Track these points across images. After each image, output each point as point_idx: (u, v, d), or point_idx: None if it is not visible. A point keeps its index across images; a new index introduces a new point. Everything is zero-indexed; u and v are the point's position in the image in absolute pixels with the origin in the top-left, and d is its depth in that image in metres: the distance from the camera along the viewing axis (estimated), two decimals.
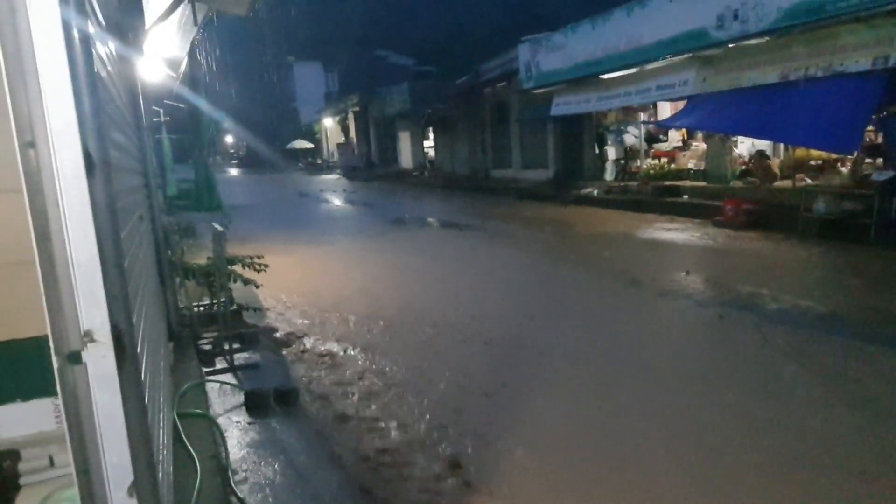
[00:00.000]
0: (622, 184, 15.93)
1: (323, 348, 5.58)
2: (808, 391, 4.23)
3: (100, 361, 1.07)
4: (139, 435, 1.16)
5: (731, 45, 11.22)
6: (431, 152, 31.96)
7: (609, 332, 5.80)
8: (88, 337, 1.06)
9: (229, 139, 63.74)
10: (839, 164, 11.51)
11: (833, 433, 3.62)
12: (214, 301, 5.71)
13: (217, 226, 5.11)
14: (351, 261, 9.90)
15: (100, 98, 1.36)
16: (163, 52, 7.62)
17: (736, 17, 10.68)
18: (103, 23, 2.79)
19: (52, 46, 1.04)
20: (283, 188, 29.08)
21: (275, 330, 6.13)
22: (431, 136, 31.50)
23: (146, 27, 5.59)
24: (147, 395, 1.87)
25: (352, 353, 5.43)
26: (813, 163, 12.09)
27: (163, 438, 2.91)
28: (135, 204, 3.33)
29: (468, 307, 6.79)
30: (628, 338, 5.63)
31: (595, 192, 16.31)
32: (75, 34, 1.08)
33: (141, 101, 5.13)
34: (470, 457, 3.52)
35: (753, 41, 10.77)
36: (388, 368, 5.00)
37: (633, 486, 3.18)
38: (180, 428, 3.53)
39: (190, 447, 3.32)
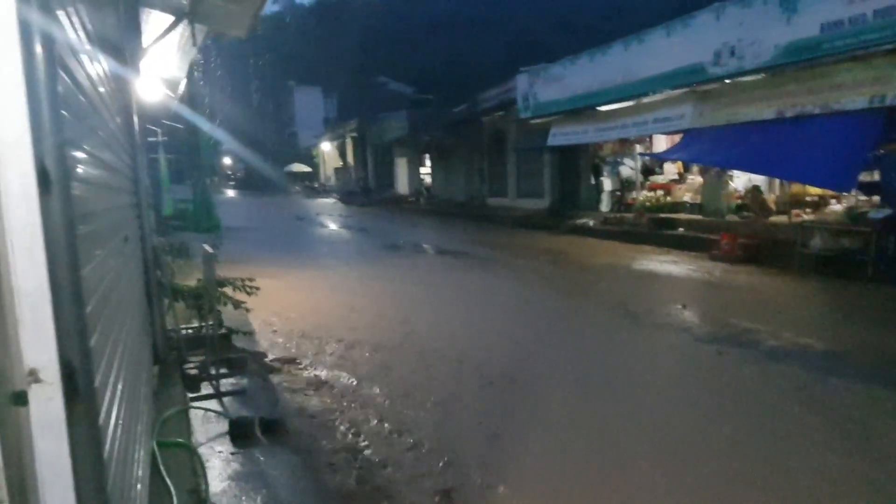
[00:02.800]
0: (618, 215, 15.92)
1: (313, 375, 5.43)
2: (809, 432, 4.11)
3: (45, 404, 0.95)
4: (91, 489, 1.03)
5: (727, 81, 11.31)
6: (428, 179, 32.04)
7: (605, 366, 5.68)
8: (33, 376, 0.94)
9: (228, 160, 63.94)
10: (833, 201, 11.51)
11: (832, 475, 3.50)
12: (203, 324, 5.58)
13: (207, 247, 5.01)
14: (344, 286, 9.77)
15: (75, 112, 1.27)
16: (161, 72, 7.60)
17: (733, 53, 10.78)
18: (93, 39, 2.73)
19: (5, 57, 0.95)
20: (280, 211, 29.01)
21: (264, 355, 5.98)
22: (428, 162, 31.61)
23: (144, 46, 5.56)
24: (112, 435, 1.75)
25: (342, 381, 5.28)
26: (808, 198, 12.10)
27: (138, 471, 2.77)
28: (120, 224, 3.22)
29: (461, 337, 6.66)
30: (624, 372, 5.51)
31: (591, 223, 16.28)
32: (36, 46, 0.98)
33: (135, 120, 5.06)
34: (461, 492, 3.38)
35: (750, 77, 10.86)
36: (378, 398, 4.86)
37: None
38: (159, 458, 3.38)
39: (167, 479, 3.17)
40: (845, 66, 9.26)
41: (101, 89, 2.97)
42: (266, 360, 5.81)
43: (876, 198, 10.00)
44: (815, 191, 11.92)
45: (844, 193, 10.82)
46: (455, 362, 5.72)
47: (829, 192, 11.47)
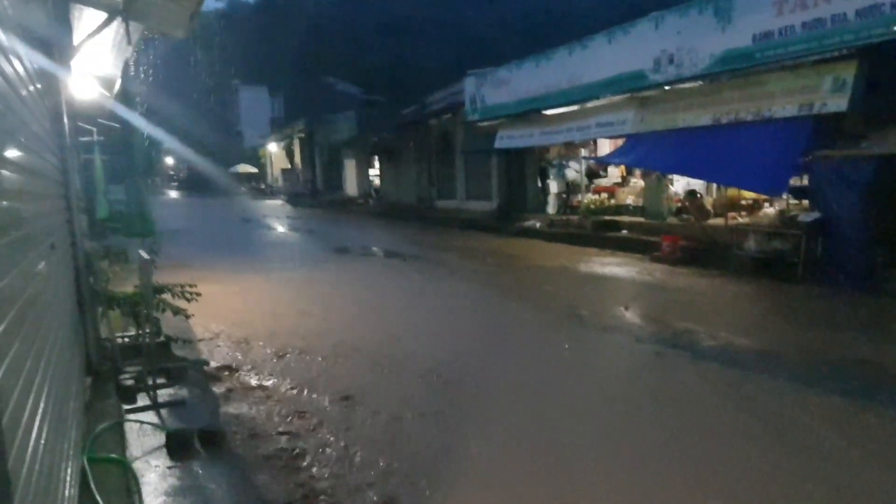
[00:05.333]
0: (564, 217, 16.19)
1: (256, 383, 5.33)
2: (740, 428, 4.26)
3: None
4: None
5: (667, 88, 11.64)
6: (377, 181, 31.87)
7: (550, 368, 5.76)
8: None
9: (170, 161, 62.07)
10: (767, 205, 12.00)
11: (761, 469, 3.63)
12: (140, 332, 5.40)
13: (143, 253, 4.85)
14: (291, 291, 9.62)
15: None
16: (95, 70, 7.32)
17: (671, 61, 11.11)
18: (14, 35, 2.60)
19: None
20: (225, 213, 28.35)
21: (206, 363, 5.83)
22: (377, 164, 31.45)
23: (75, 44, 5.34)
24: (32, 453, 1.68)
25: (286, 388, 5.20)
26: (744, 202, 12.58)
27: (66, 490, 2.65)
28: (45, 231, 3.09)
29: (408, 340, 6.65)
30: (568, 373, 5.60)
31: (538, 225, 16.50)
32: None
33: (65, 120, 4.86)
34: (405, 498, 3.36)
35: (688, 85, 11.21)
36: (323, 404, 4.80)
37: None
38: (90, 475, 3.25)
39: (98, 498, 3.06)
40: (776, 76, 9.67)
41: (24, 89, 2.84)
42: (207, 368, 5.66)
43: (805, 202, 10.46)
44: (749, 195, 12.39)
45: (776, 197, 11.28)
46: (402, 367, 5.70)
47: (763, 196, 11.95)
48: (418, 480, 3.57)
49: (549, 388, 5.18)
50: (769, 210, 11.61)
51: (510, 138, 17.17)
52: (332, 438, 4.17)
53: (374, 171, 32.36)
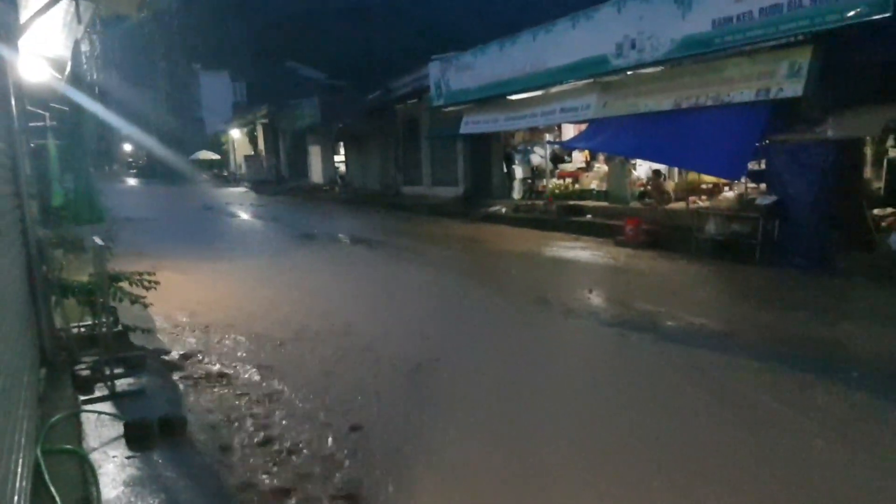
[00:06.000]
0: (529, 202, 16.27)
1: (218, 371, 5.25)
2: (701, 407, 4.36)
3: None
4: None
5: (629, 73, 11.73)
6: (343, 167, 31.54)
7: (515, 352, 5.80)
8: None
9: (128, 148, 60.42)
10: (726, 188, 12.24)
11: (721, 446, 3.73)
12: (96, 321, 5.26)
13: (98, 240, 4.71)
14: (254, 278, 9.48)
15: None
16: (45, 51, 7.05)
17: (633, 46, 11.20)
18: None
19: None
20: (187, 201, 27.76)
21: (166, 352, 5.72)
22: (343, 150, 31.11)
23: (21, 22, 5.13)
24: None
25: (250, 376, 5.13)
26: (704, 186, 12.81)
27: (17, 483, 2.58)
28: None
29: (375, 326, 6.62)
30: (533, 356, 5.65)
31: (503, 210, 16.56)
32: None
33: (13, 102, 4.67)
34: (369, 486, 3.36)
35: (649, 70, 11.31)
36: (287, 393, 4.75)
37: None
38: (44, 467, 3.17)
39: (53, 490, 2.98)
40: (734, 61, 9.82)
41: None
42: (167, 357, 5.56)
43: (763, 185, 10.70)
44: (709, 179, 12.63)
45: (735, 181, 11.51)
46: (366, 352, 5.68)
47: (722, 180, 12.18)
48: (383, 469, 3.57)
49: (515, 372, 5.22)
50: (729, 194, 11.83)
51: (475, 123, 17.15)
52: (294, 426, 4.14)
53: (339, 158, 32.01)
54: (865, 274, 8.29)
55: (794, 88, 8.95)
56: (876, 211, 9.50)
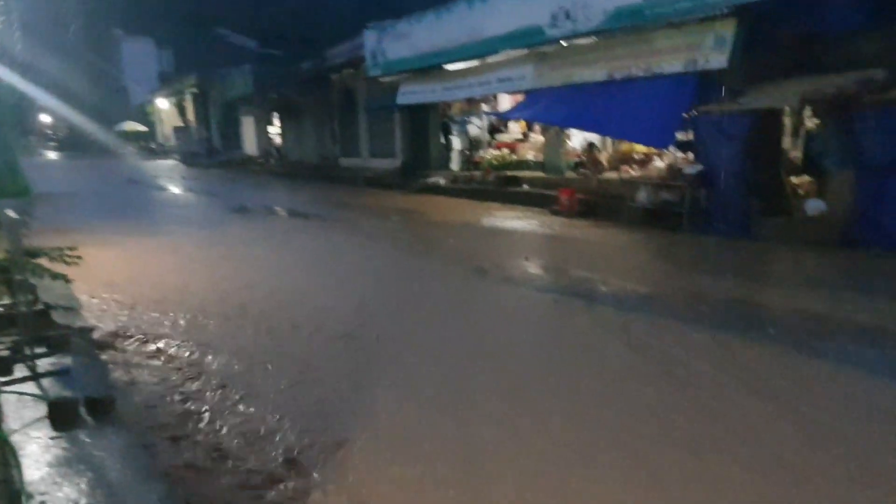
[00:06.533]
0: (467, 173, 16.34)
1: (149, 348, 5.11)
2: (631, 368, 4.55)
3: None
4: None
5: (563, 44, 11.85)
6: (278, 139, 30.76)
7: (454, 319, 5.87)
8: None
9: (47, 119, 57.03)
10: (657, 158, 12.61)
11: (650, 405, 3.91)
12: (14, 300, 5.01)
13: (11, 213, 4.47)
14: (187, 253, 9.21)
15: None
16: None
17: (567, 16, 11.29)
18: None
19: None
20: (112, 174, 26.52)
21: (91, 329, 5.50)
22: (277, 122, 30.32)
23: None
24: None
25: (180, 351, 5.01)
26: (636, 156, 13.16)
27: None
28: None
29: (312, 299, 6.57)
30: (472, 323, 5.74)
31: (442, 182, 16.58)
32: None
33: None
34: (309, 456, 3.37)
35: (583, 41, 11.46)
36: (221, 367, 4.67)
37: (474, 465, 3.20)
38: None
39: None
40: (664, 33, 10.06)
41: None
42: (93, 335, 5.36)
43: (691, 155, 11.08)
44: (641, 149, 12.98)
45: (664, 151, 11.88)
46: (304, 325, 5.63)
47: (653, 150, 12.55)
48: (322, 440, 3.58)
49: (454, 338, 5.30)
50: (659, 163, 12.21)
51: (412, 94, 17.01)
52: (229, 401, 4.09)
53: (274, 129, 31.20)
54: (783, 239, 8.76)
55: (719, 60, 9.26)
56: (793, 179, 10.00)
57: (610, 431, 3.59)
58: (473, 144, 17.61)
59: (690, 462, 3.23)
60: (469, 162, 17.23)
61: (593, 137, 13.82)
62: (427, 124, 18.70)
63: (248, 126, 32.68)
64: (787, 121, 10.86)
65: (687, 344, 4.96)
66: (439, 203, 14.49)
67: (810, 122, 10.74)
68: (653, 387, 4.18)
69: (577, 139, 14.60)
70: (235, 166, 28.63)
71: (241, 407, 3.99)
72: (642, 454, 3.32)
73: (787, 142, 11.03)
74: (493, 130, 17.79)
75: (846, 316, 5.61)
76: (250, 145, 32.41)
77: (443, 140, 18.43)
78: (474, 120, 17.51)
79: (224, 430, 3.69)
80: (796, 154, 10.95)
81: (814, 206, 8.90)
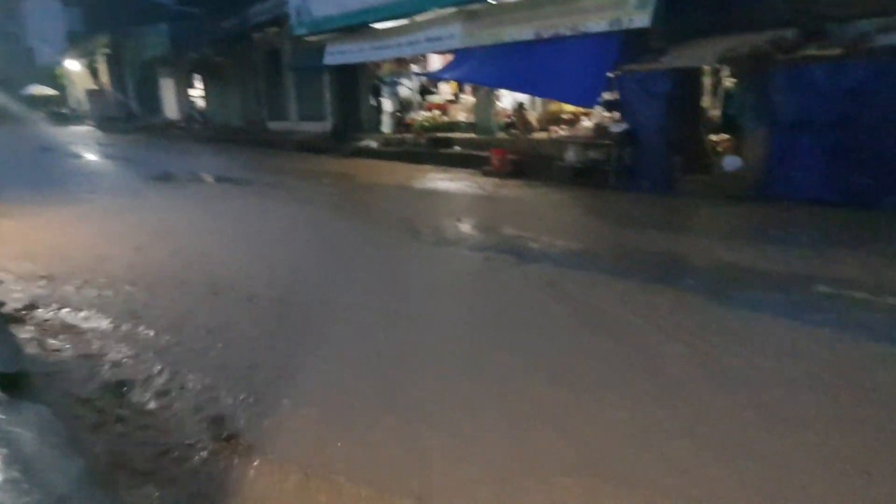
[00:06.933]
0: (399, 136, 16.18)
1: (63, 320, 4.89)
2: (559, 320, 4.69)
3: None
4: None
5: (492, 2, 11.76)
6: (201, 102, 29.47)
7: (387, 280, 5.88)
8: None
9: None
10: (585, 118, 12.82)
11: (575, 353, 4.06)
12: None
13: None
14: (105, 222, 8.79)
15: None
16: None
17: None
18: None
19: None
20: (19, 141, 24.86)
21: (2, 304, 5.23)
22: (200, 84, 28.99)
23: None
24: None
25: (101, 323, 4.83)
26: (565, 116, 13.33)
27: None
28: None
29: (242, 265, 6.43)
30: (405, 283, 5.77)
31: (373, 144, 16.37)
32: None
33: None
34: (239, 423, 3.34)
35: None
36: (145, 336, 4.54)
37: (410, 423, 3.25)
38: None
39: None
40: None
41: None
42: (4, 309, 5.09)
43: (617, 114, 11.31)
44: (569, 108, 13.15)
45: (591, 110, 12.07)
46: (232, 292, 5.52)
47: (581, 110, 12.73)
48: (254, 405, 3.55)
49: (387, 298, 5.31)
50: (587, 123, 12.42)
51: (340, 54, 16.58)
52: (154, 369, 3.99)
53: (196, 92, 29.84)
54: (704, 194, 9.14)
55: (642, 19, 9.42)
56: (713, 137, 10.40)
57: (541, 380, 3.71)
58: (404, 106, 17.41)
59: (606, 401, 3.38)
60: (400, 124, 17.04)
61: (523, 98, 13.88)
62: (356, 86, 18.31)
63: (167, 89, 31.14)
64: (707, 80, 11.22)
65: (611, 295, 5.15)
66: (372, 166, 14.33)
67: (728, 81, 11.13)
68: (581, 338, 4.34)
69: (508, 100, 14.64)
70: (156, 131, 27.32)
71: (164, 376, 3.90)
72: (561, 397, 3.46)
73: (707, 101, 11.41)
74: (425, 92, 17.60)
75: (759, 265, 5.93)
76: (171, 109, 30.95)
77: (373, 102, 18.11)
78: (405, 81, 17.27)
79: (145, 399, 3.61)
80: (716, 112, 11.36)
81: (731, 162, 9.29)
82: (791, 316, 4.57)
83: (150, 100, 32.31)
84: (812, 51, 8.27)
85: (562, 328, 4.52)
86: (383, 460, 2.96)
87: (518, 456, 2.95)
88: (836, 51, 8.04)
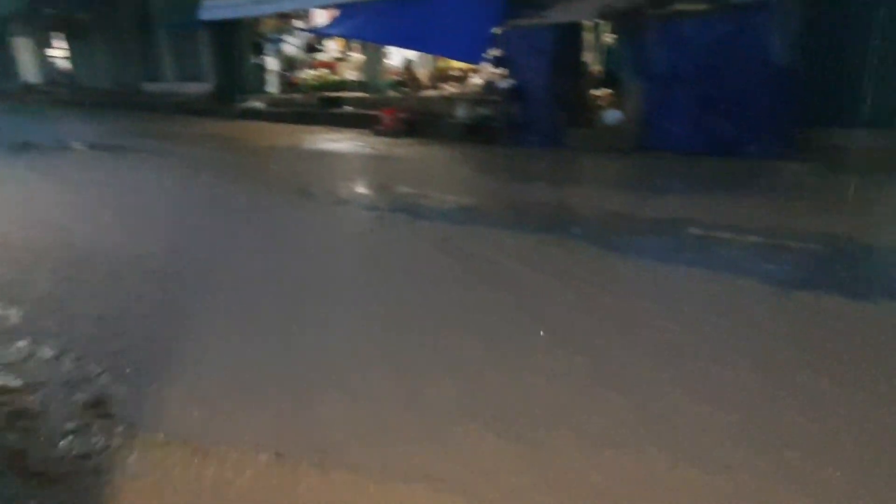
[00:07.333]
0: (287, 96, 15.62)
1: None
2: (451, 273, 4.78)
3: None
4: None
5: None
6: (66, 63, 26.96)
7: (279, 243, 5.74)
8: None
9: None
10: (474, 75, 12.90)
11: (465, 302, 4.16)
12: None
13: None
14: None
15: None
16: None
17: None
18: None
19: None
20: None
21: None
22: (63, 43, 26.47)
23: None
24: None
25: None
26: (454, 73, 13.35)
27: None
28: None
29: (124, 236, 6.03)
30: (298, 247, 5.65)
31: (260, 105, 15.73)
32: None
33: None
34: (116, 401, 3.18)
35: None
36: (9, 314, 4.20)
37: (300, 387, 3.23)
38: None
39: None
40: None
41: None
42: None
43: (505, 70, 11.46)
44: (459, 65, 13.17)
45: (479, 66, 12.14)
46: (112, 263, 5.19)
47: (470, 66, 12.78)
48: (132, 378, 3.39)
49: (277, 262, 5.19)
50: (476, 80, 12.51)
51: (217, 9, 15.64)
52: (27, 345, 3.72)
53: (59, 52, 27.25)
54: (588, 147, 9.52)
55: None
56: (596, 91, 10.79)
57: (433, 329, 3.78)
58: (290, 65, 16.77)
59: (499, 349, 3.51)
60: (287, 84, 16.43)
61: (412, 55, 13.75)
62: (237, 44, 17.36)
63: (23, 50, 28.20)
64: (589, 36, 11.57)
65: (503, 247, 5.30)
66: (259, 128, 13.79)
67: (608, 37, 11.53)
68: (473, 289, 4.44)
69: (397, 57, 14.44)
70: (13, 97, 24.79)
71: (36, 352, 3.65)
72: (455, 347, 3.56)
73: (589, 56, 11.78)
74: (311, 49, 16.99)
75: (639, 212, 6.29)
76: (30, 72, 28.12)
77: (257, 61, 17.29)
78: (289, 38, 16.59)
79: (17, 383, 3.37)
80: (598, 68, 11.76)
81: (612, 116, 9.71)
82: (668, 258, 4.91)
83: (4, 62, 29.18)
84: (681, 6, 8.70)
85: (454, 281, 4.61)
86: (273, 427, 2.91)
87: (408, 408, 2.99)
88: (702, 6, 8.51)
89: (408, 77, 13.41)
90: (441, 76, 13.06)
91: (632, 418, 2.80)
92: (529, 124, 10.03)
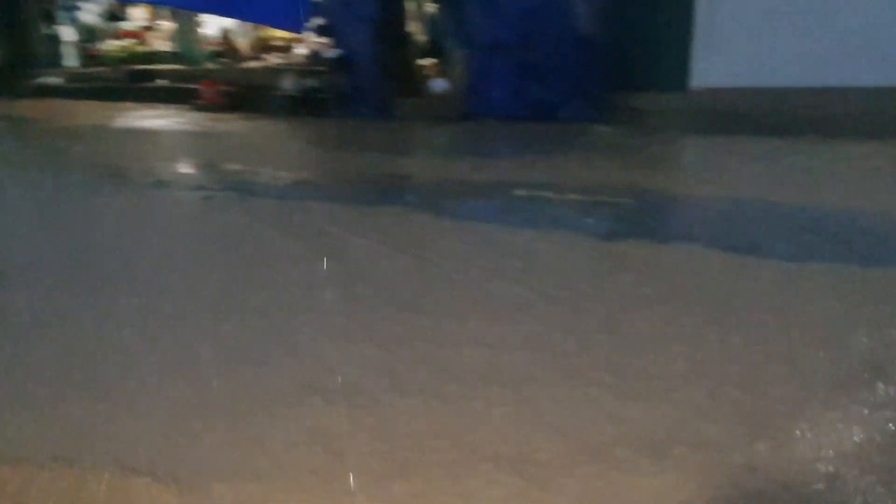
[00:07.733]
0: (89, 70, 14.10)
1: None
2: (285, 250, 4.69)
3: None
4: None
5: None
6: None
7: (90, 236, 5.25)
8: None
9: None
10: (299, 45, 12.46)
11: (305, 281, 4.12)
12: None
13: None
14: None
15: None
16: None
17: None
18: None
19: None
20: None
21: None
22: None
23: None
24: None
25: None
26: (277, 43, 12.81)
27: None
28: None
29: None
30: (113, 237, 5.21)
31: (57, 81, 14.05)
32: None
33: None
34: None
35: None
36: None
37: (116, 389, 3.04)
38: None
39: None
40: None
41: None
42: None
43: (329, 39, 11.22)
44: (281, 35, 12.64)
45: (301, 35, 11.76)
46: None
47: (294, 36, 12.33)
48: None
49: (88, 257, 4.77)
50: (301, 50, 12.11)
51: None
52: None
53: None
54: (417, 117, 9.69)
55: None
56: (421, 61, 10.94)
57: (264, 303, 3.71)
58: (91, 35, 15.09)
59: (336, 324, 3.54)
60: (88, 56, 14.80)
61: (229, 23, 12.98)
62: (24, 12, 15.25)
63: None
64: (412, 5, 11.63)
65: (337, 220, 5.29)
66: (58, 106, 12.38)
67: (430, 6, 11.67)
68: (304, 263, 4.40)
69: (214, 26, 13.54)
70: None
71: None
72: (293, 325, 3.53)
73: (413, 25, 11.86)
74: (114, 18, 15.38)
75: (466, 177, 6.56)
76: None
77: (48, 31, 15.32)
78: (86, 6, 14.90)
79: None
80: (423, 37, 11.89)
81: (438, 84, 9.94)
82: (496, 219, 5.20)
83: None
84: None
85: (288, 258, 4.53)
86: (72, 439, 2.73)
87: (230, 390, 2.92)
88: None
89: (227, 47, 12.67)
90: (263, 46, 12.49)
91: (465, 364, 2.98)
92: (358, 95, 9.96)
